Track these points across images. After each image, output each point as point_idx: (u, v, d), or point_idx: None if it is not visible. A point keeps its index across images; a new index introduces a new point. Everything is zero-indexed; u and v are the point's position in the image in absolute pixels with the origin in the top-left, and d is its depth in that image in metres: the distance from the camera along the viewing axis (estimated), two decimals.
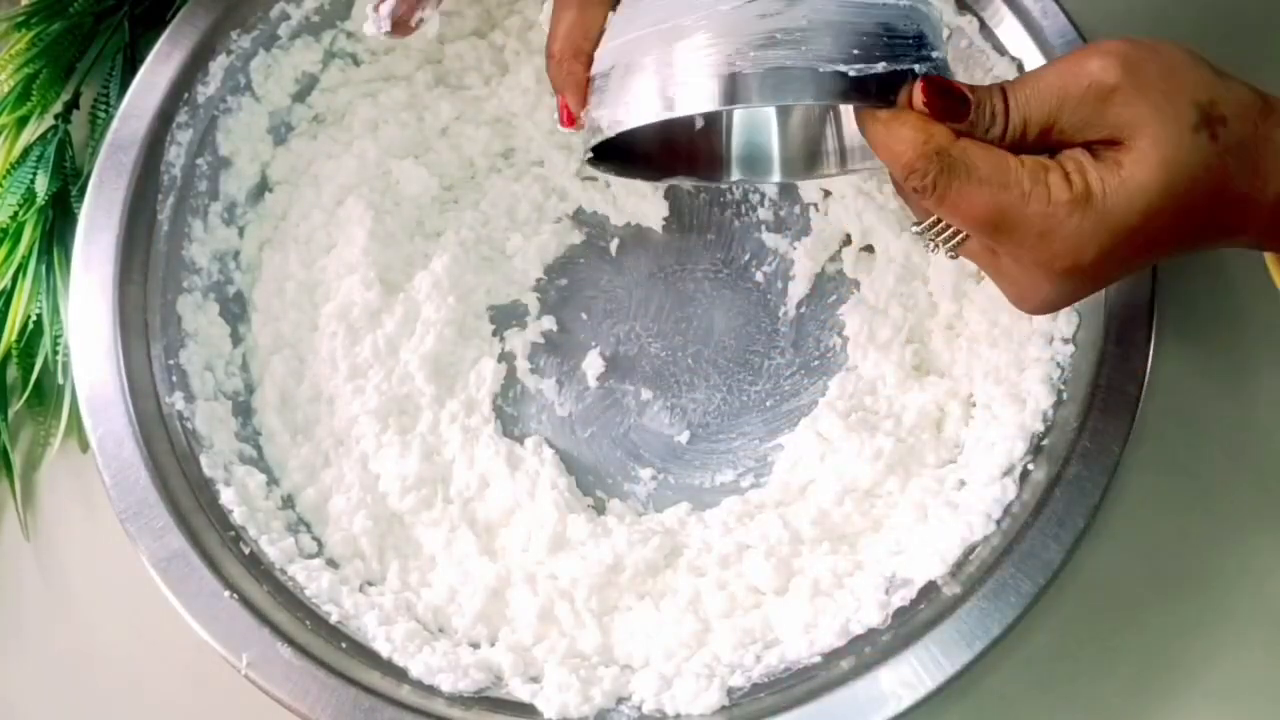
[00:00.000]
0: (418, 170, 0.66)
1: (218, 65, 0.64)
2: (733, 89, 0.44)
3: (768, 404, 0.63)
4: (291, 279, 0.64)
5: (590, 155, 0.50)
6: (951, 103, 0.44)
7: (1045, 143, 0.45)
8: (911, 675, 0.51)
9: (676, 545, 0.59)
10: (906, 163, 0.43)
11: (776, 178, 0.57)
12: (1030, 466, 0.56)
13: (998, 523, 0.55)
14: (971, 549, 0.55)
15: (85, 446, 0.62)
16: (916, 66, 0.45)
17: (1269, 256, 0.51)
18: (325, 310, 0.64)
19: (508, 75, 0.68)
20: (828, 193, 0.66)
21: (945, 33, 0.47)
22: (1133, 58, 0.44)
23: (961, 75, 0.64)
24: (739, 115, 0.57)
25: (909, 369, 0.61)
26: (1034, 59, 0.61)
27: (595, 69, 0.48)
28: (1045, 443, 0.56)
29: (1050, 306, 0.47)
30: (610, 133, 0.47)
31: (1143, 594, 0.58)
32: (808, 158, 0.56)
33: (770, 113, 0.57)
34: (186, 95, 0.64)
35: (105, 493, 0.56)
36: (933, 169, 0.43)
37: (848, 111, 0.53)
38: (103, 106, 0.69)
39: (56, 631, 0.61)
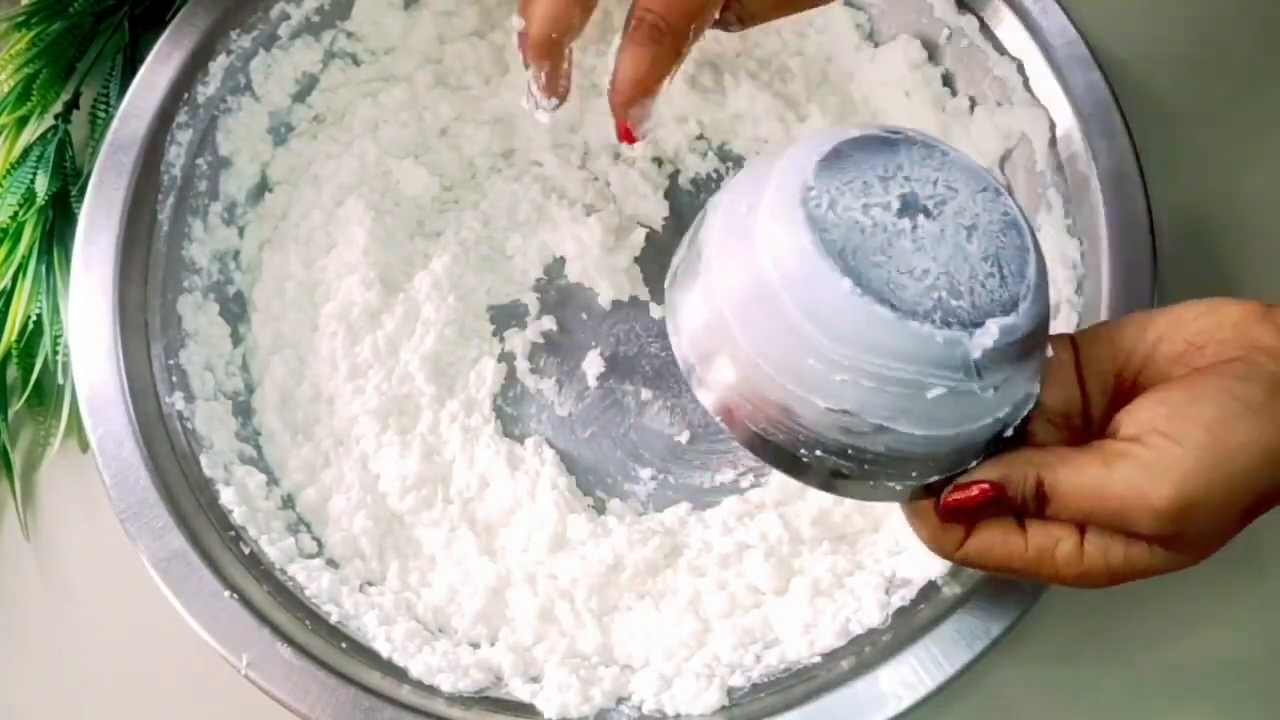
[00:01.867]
0: (418, 170, 0.66)
1: (218, 65, 0.64)
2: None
3: None
4: (291, 279, 0.64)
5: None
6: (977, 511, 0.45)
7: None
8: (911, 675, 0.51)
9: (676, 545, 0.59)
10: (925, 545, 0.47)
11: None
12: None
13: None
14: None
15: (85, 446, 0.62)
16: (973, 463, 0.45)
17: None
18: (325, 310, 0.64)
19: (508, 75, 0.68)
20: None
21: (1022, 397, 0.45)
22: (1190, 505, 0.42)
23: (961, 74, 0.64)
24: None
25: None
26: (1034, 59, 0.61)
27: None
28: None
29: None
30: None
31: (1142, 594, 0.57)
32: None
33: None
34: (186, 95, 0.64)
35: (105, 493, 0.56)
36: (945, 555, 0.46)
37: None
38: (103, 106, 0.69)
39: (56, 631, 0.61)
